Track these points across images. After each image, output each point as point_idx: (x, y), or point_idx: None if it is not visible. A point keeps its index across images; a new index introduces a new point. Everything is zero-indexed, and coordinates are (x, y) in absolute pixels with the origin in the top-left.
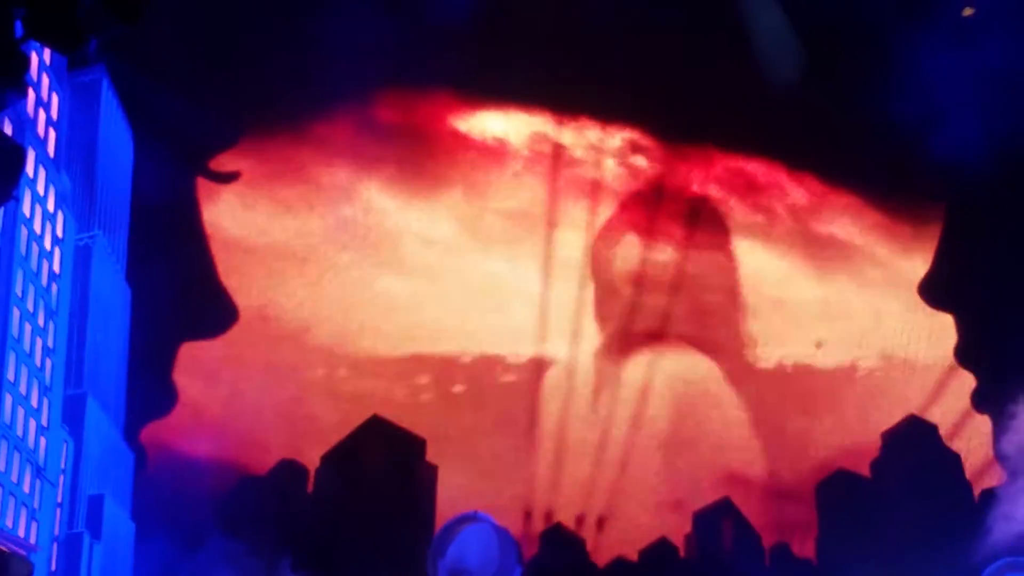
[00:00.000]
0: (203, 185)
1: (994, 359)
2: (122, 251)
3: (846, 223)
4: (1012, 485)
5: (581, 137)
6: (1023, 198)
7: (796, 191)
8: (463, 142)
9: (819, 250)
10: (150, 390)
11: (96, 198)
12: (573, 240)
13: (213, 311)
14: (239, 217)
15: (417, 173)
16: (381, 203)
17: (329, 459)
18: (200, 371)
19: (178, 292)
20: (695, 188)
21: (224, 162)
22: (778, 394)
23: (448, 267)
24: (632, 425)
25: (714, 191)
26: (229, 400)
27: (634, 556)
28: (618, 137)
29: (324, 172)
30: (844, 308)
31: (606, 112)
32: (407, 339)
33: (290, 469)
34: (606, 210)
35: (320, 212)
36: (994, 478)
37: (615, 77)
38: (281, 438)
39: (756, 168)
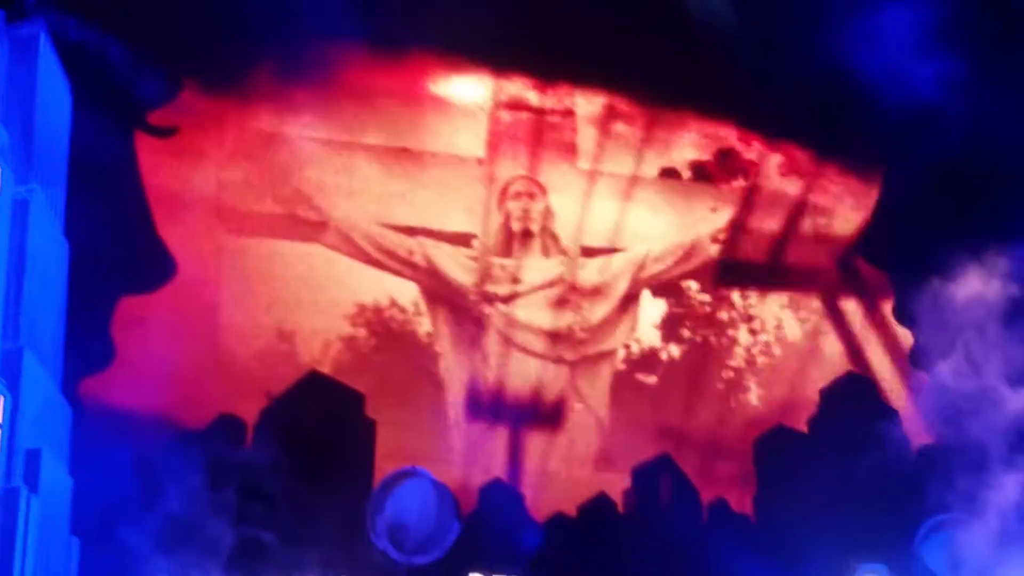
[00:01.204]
0: (142, 139)
1: (930, 316)
2: (60, 205)
3: (819, 187)
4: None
5: (559, 103)
6: (963, 160)
7: (773, 157)
8: (437, 105)
9: (787, 213)
10: (88, 344)
11: (34, 152)
12: (526, 203)
13: (151, 266)
14: (178, 172)
15: (376, 134)
16: (339, 164)
17: (267, 414)
18: (138, 326)
19: (116, 246)
20: (672, 155)
21: (164, 116)
22: (719, 352)
23: (399, 233)
24: (569, 381)
25: (691, 156)
26: (167, 355)
27: (573, 511)
28: (597, 103)
29: (265, 124)
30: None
31: (585, 77)
32: (347, 292)
33: (229, 424)
34: (573, 173)
35: (258, 165)
36: (932, 434)
37: (593, 41)
38: (220, 393)
39: (732, 134)
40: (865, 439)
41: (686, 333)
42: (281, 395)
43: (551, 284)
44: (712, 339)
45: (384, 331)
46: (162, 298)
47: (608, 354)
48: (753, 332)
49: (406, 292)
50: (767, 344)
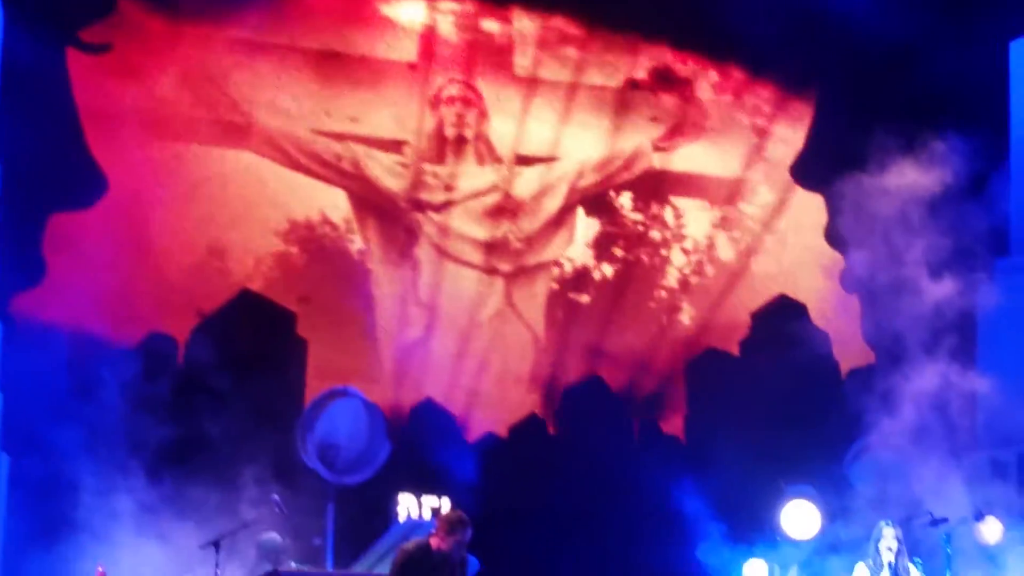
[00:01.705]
0: (74, 56)
1: (862, 241)
2: None
3: (764, 111)
4: None
5: (507, 25)
6: (893, 80)
7: (719, 81)
8: (376, 19)
9: (733, 138)
10: (19, 262)
11: None
12: (460, 108)
13: (83, 182)
14: (111, 88)
15: (309, 41)
16: (269, 69)
17: (199, 332)
18: (70, 243)
19: (48, 163)
20: (620, 77)
21: (97, 33)
22: (652, 273)
23: (327, 138)
24: (505, 301)
25: (631, 74)
26: (99, 273)
27: (504, 432)
28: (544, 25)
29: (199, 36)
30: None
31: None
32: (280, 208)
33: (160, 341)
34: (511, 84)
35: (191, 75)
36: (861, 357)
37: None
38: (151, 311)
39: (680, 57)
40: (795, 362)
41: (619, 252)
42: (213, 313)
43: (486, 192)
44: (645, 259)
45: (316, 248)
46: (94, 215)
47: (544, 266)
48: (685, 252)
49: (338, 209)
50: (700, 264)
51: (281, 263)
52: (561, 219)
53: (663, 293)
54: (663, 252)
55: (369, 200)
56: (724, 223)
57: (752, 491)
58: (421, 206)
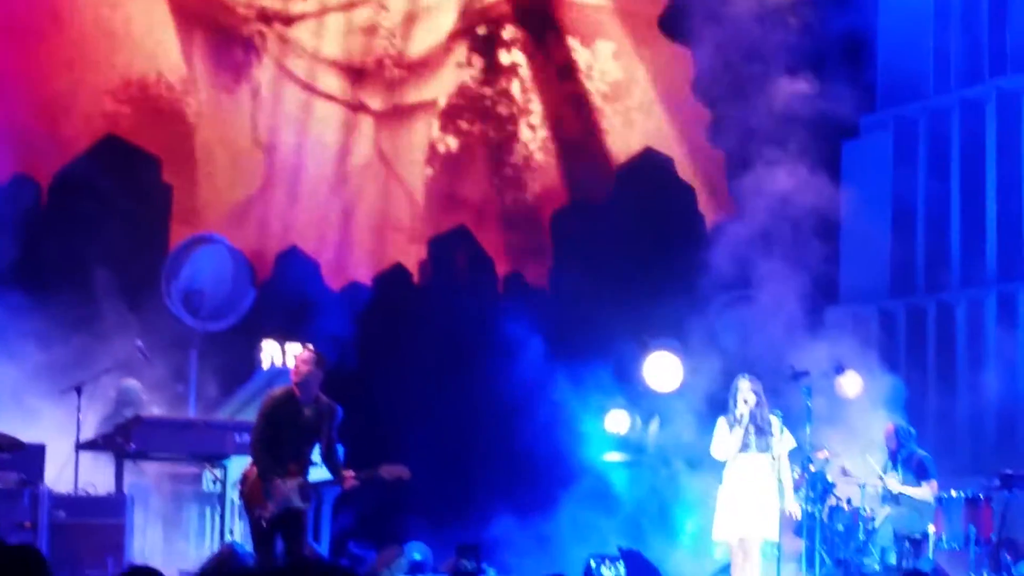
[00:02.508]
0: None
1: (729, 94)
2: None
3: None
4: None
5: None
6: None
7: None
8: None
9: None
10: None
11: None
12: None
13: None
14: None
15: None
16: None
17: (62, 176)
18: None
19: None
20: None
21: None
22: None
23: None
24: (374, 146)
25: None
26: None
27: (368, 281)
28: None
29: None
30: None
31: None
32: (144, 57)
33: (23, 184)
34: None
35: None
36: (725, 211)
37: None
38: (17, 153)
39: None
40: (661, 215)
41: (464, 126)
42: (77, 157)
43: (352, 5)
44: (491, 133)
45: (151, 108)
46: None
47: (423, 106)
48: (532, 128)
49: (174, 68)
50: (544, 140)
51: (148, 107)
52: (450, 46)
53: (509, 169)
54: (509, 127)
55: (194, 9)
56: (572, 100)
57: (615, 342)
58: (266, 17)
